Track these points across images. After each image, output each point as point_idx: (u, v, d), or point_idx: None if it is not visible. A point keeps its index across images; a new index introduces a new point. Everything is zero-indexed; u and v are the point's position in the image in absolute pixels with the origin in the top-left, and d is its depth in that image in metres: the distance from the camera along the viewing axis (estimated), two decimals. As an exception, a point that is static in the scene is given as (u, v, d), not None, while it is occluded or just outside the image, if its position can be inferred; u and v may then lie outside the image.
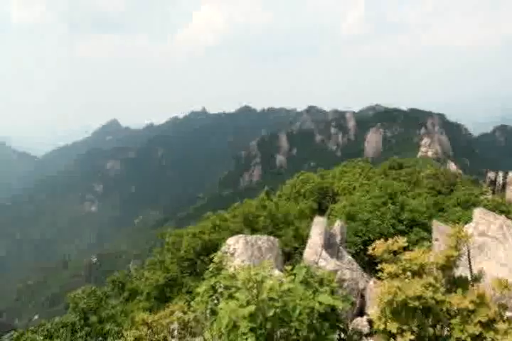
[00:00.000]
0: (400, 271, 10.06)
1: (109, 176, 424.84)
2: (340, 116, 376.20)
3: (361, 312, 16.49)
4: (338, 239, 21.05)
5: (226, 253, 14.32)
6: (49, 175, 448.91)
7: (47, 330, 26.48)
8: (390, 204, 34.98)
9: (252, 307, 7.86)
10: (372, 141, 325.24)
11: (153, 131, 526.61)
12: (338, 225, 21.68)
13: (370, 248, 11.10)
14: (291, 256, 30.81)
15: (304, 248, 19.74)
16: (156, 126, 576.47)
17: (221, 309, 8.42)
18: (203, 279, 10.36)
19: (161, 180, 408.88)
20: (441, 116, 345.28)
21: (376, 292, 9.53)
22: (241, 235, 23.04)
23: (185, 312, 13.38)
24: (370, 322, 12.24)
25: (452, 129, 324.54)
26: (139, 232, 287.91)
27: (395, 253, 10.87)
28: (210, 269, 10.47)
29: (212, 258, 10.94)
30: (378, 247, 10.92)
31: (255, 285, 8.40)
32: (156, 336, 13.06)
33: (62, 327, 26.18)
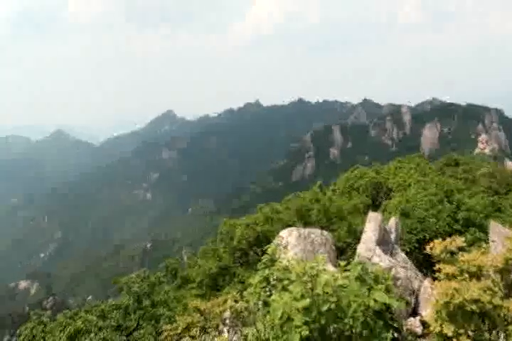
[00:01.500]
0: (458, 273, 9.82)
1: (164, 165, 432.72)
2: (395, 110, 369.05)
3: (414, 313, 16.21)
4: (392, 236, 20.65)
5: (279, 245, 14.26)
6: (106, 163, 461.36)
7: (101, 311, 27.37)
8: (446, 203, 34.11)
9: (306, 301, 7.84)
10: (429, 136, 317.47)
11: (208, 122, 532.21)
12: (392, 222, 21.27)
13: (426, 246, 10.88)
14: (343, 251, 30.54)
15: (356, 243, 19.46)
16: (210, 117, 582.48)
17: (274, 301, 8.43)
18: (256, 270, 10.40)
19: (215, 170, 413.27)
20: (499, 111, 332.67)
21: (430, 292, 9.34)
22: (294, 228, 22.92)
23: (237, 302, 13.53)
24: (424, 323, 12.01)
25: (510, 125, 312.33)
26: (192, 221, 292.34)
27: (452, 253, 10.62)
28: (264, 261, 10.48)
29: (266, 249, 10.94)
30: (436, 246, 10.70)
31: (310, 278, 8.37)
32: (208, 323, 13.25)
33: (116, 308, 26.97)
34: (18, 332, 27.86)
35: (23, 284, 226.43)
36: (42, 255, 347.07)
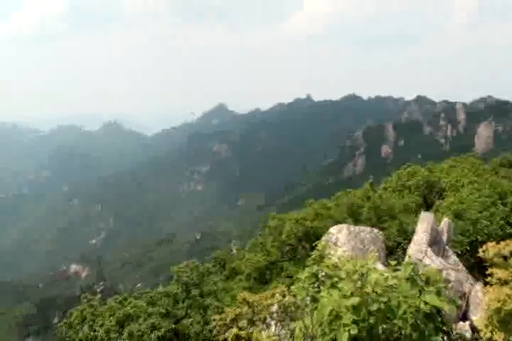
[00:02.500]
0: (510, 278, 9.63)
1: (215, 158, 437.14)
2: (449, 108, 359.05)
3: (464, 317, 15.92)
4: (444, 237, 20.31)
5: (329, 241, 14.24)
6: (157, 154, 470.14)
7: (150, 298, 28.16)
8: (499, 205, 33.15)
9: (355, 299, 7.86)
10: (483, 135, 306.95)
11: (259, 116, 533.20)
12: (445, 223, 20.89)
13: (479, 249, 10.69)
14: (393, 251, 30.21)
15: (407, 243, 19.27)
16: (261, 111, 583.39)
17: (323, 297, 8.46)
18: (304, 265, 10.43)
19: (265, 164, 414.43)
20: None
21: (481, 297, 9.18)
22: (344, 225, 22.79)
23: (285, 296, 13.65)
24: (473, 328, 11.82)
25: None
26: (241, 214, 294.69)
27: (505, 257, 10.40)
28: (313, 256, 10.51)
29: (315, 245, 10.96)
30: (489, 250, 10.50)
31: (360, 277, 8.37)
32: (256, 316, 13.40)
33: (165, 296, 27.68)
34: (68, 313, 29.03)
35: (74, 268, 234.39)
36: (93, 241, 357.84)
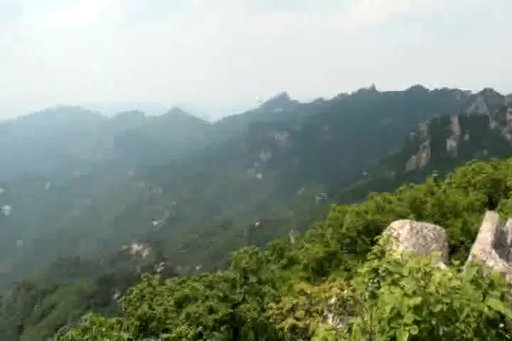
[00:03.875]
0: None
1: (276, 146, 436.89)
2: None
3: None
4: (509, 238, 19.59)
5: (390, 236, 14.02)
6: (219, 141, 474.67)
7: (209, 281, 28.73)
8: None
9: (418, 299, 7.70)
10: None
11: (322, 106, 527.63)
12: (510, 223, 20.14)
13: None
14: (455, 249, 29.41)
15: (470, 243, 18.70)
16: (324, 101, 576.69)
17: (383, 294, 8.36)
18: (364, 259, 10.34)
19: (326, 154, 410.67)
20: None
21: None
22: (407, 220, 22.32)
23: (343, 290, 13.59)
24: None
25: None
26: (301, 203, 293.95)
27: None
28: (374, 251, 10.39)
29: (377, 239, 10.83)
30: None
31: (423, 276, 8.21)
32: (313, 307, 13.41)
33: (224, 281, 28.17)
34: (128, 290, 30.06)
35: (135, 248, 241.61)
36: (155, 223, 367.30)
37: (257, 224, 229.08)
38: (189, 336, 23.36)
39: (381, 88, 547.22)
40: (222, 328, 24.46)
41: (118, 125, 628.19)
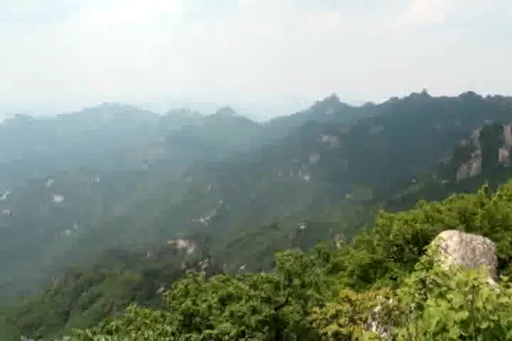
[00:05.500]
0: None
1: (325, 149, 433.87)
2: None
3: None
4: None
5: (438, 247, 13.82)
6: (268, 142, 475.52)
7: (253, 281, 29.01)
8: None
9: (465, 314, 7.61)
10: None
11: (372, 109, 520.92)
12: None
13: None
14: (504, 265, 28.59)
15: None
16: (374, 104, 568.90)
17: (430, 306, 8.29)
18: (411, 269, 10.28)
19: (375, 158, 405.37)
20: None
21: None
22: (456, 231, 21.93)
23: (388, 299, 13.51)
24: None
25: None
26: (348, 207, 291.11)
27: None
28: (422, 261, 10.30)
29: (424, 249, 10.74)
30: None
31: (471, 290, 8.09)
32: (357, 315, 13.40)
33: (267, 282, 28.39)
34: (173, 285, 30.68)
35: (181, 243, 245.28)
36: (202, 220, 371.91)
37: (303, 226, 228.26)
38: (232, 334, 23.73)
39: (433, 91, 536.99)
40: (264, 329, 24.69)
41: (169, 123, 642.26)
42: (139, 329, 24.89)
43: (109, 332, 24.76)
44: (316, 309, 15.78)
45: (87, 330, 23.08)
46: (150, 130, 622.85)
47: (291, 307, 25.40)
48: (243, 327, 24.48)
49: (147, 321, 26.33)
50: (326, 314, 14.51)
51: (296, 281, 27.62)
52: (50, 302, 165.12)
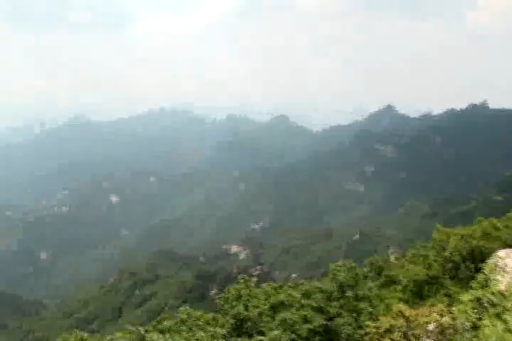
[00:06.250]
0: None
1: (381, 160, 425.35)
2: None
3: None
4: None
5: (496, 265, 13.62)
6: (322, 151, 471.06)
7: (305, 290, 29.15)
8: None
9: None
10: None
11: (430, 121, 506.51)
12: None
13: None
14: None
15: None
16: (432, 115, 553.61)
17: (486, 326, 8.23)
18: (467, 287, 10.22)
19: (433, 171, 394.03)
20: None
21: None
22: (513, 250, 21.44)
23: (442, 316, 13.39)
24: None
25: None
26: (403, 220, 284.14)
27: None
28: (478, 279, 10.19)
29: (481, 267, 10.62)
30: None
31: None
32: (411, 331, 13.34)
33: (320, 292, 28.42)
34: (226, 289, 31.15)
35: (234, 248, 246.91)
36: (255, 226, 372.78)
37: (355, 237, 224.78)
38: (282, 342, 23.89)
39: (493, 104, 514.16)
40: (315, 339, 24.70)
41: (224, 129, 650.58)
42: (191, 330, 25.52)
43: (162, 331, 25.53)
44: (370, 323, 15.75)
45: (140, 328, 23.89)
46: (205, 135, 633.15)
47: (343, 320, 25.26)
48: (294, 336, 24.57)
49: (199, 323, 26.81)
50: (379, 328, 14.53)
51: (349, 293, 27.48)
52: (104, 299, 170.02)
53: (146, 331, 24.93)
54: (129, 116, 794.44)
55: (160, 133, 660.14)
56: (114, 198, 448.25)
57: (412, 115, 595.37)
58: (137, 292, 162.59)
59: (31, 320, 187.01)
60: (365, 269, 32.12)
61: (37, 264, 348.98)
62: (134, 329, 24.43)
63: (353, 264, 30.34)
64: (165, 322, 26.98)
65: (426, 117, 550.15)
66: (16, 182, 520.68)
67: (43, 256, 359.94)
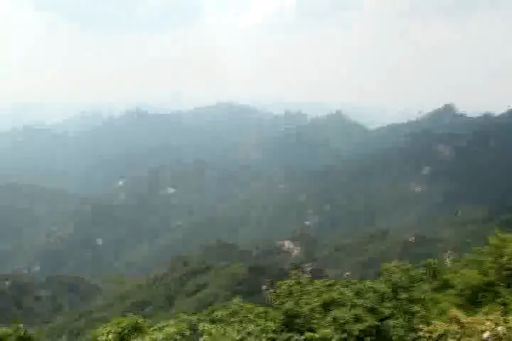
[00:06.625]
0: None
1: (438, 161, 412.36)
2: None
3: None
4: None
5: None
6: (378, 149, 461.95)
7: (358, 289, 29.17)
8: None
9: None
10: None
11: (491, 121, 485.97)
12: None
13: None
14: None
15: None
16: (493, 116, 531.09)
17: None
18: None
19: (492, 173, 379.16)
20: None
21: None
22: None
23: (498, 325, 13.23)
24: None
25: None
26: (460, 224, 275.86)
27: None
28: None
29: None
30: None
31: None
32: (466, 338, 13.24)
33: (373, 291, 28.39)
34: (278, 284, 31.57)
35: (287, 244, 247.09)
36: (308, 223, 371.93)
37: (411, 239, 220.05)
38: (333, 340, 24.07)
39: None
40: (366, 339, 24.73)
41: (281, 124, 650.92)
42: (242, 322, 26.09)
43: (213, 321, 26.24)
44: (423, 326, 15.73)
45: (192, 317, 24.63)
46: (263, 130, 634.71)
47: (395, 321, 25.18)
48: (345, 335, 24.69)
49: (250, 316, 27.31)
50: (432, 332, 14.53)
51: (403, 295, 27.34)
52: (158, 286, 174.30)
53: (199, 320, 25.62)
54: (188, 109, 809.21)
55: (219, 126, 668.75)
56: (170, 189, 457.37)
57: (472, 115, 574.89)
58: (190, 282, 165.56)
59: (88, 301, 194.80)
60: (421, 271, 31.83)
61: (94, 250, 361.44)
62: (186, 317, 25.22)
63: (408, 266, 30.18)
64: (217, 313, 27.56)
65: (487, 117, 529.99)
66: (76, 170, 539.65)
67: (99, 242, 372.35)
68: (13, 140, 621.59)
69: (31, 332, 20.84)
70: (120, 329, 18.74)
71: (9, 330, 20.12)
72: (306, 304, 28.93)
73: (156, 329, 20.19)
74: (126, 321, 19.32)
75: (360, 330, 24.83)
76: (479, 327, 13.49)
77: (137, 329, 19.33)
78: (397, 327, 24.72)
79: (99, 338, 18.75)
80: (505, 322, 12.44)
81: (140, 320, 19.78)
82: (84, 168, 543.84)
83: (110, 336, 18.49)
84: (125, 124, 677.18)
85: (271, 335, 25.49)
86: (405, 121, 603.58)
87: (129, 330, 18.94)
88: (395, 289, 27.96)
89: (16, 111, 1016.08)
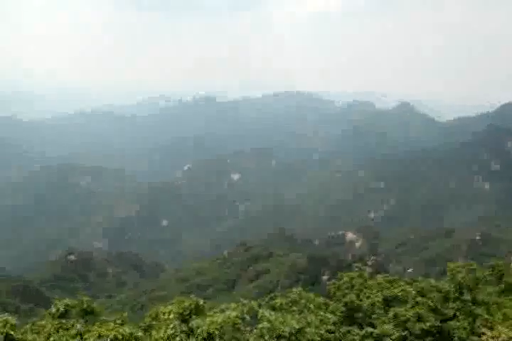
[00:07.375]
0: None
1: (509, 157, 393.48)
2: None
3: None
4: None
5: None
6: (447, 142, 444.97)
7: (420, 287, 28.66)
8: None
9: None
10: None
11: None
12: None
13: None
14: None
15: None
16: None
17: None
18: None
19: None
20: None
21: None
22: None
23: None
24: None
25: None
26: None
27: None
28: None
29: None
30: None
31: None
32: None
33: (436, 291, 27.87)
34: (339, 275, 31.63)
35: (350, 235, 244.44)
36: (372, 215, 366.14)
37: (477, 238, 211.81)
38: (393, 337, 23.92)
39: None
40: (427, 339, 24.42)
41: (347, 115, 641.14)
42: (302, 312, 26.30)
43: (274, 308, 26.59)
44: (486, 330, 15.53)
45: (253, 302, 25.14)
46: (330, 119, 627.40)
47: (458, 323, 24.72)
48: (406, 333, 24.49)
49: (310, 305, 27.43)
50: (496, 338, 14.34)
51: (467, 296, 26.71)
52: (219, 269, 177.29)
53: (259, 306, 25.98)
54: (256, 96, 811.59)
55: (286, 114, 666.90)
56: (235, 176, 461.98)
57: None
58: (251, 268, 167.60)
59: (150, 280, 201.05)
60: (486, 272, 31.06)
61: (159, 230, 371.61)
62: (247, 302, 25.56)
63: (474, 265, 29.49)
64: (277, 300, 27.78)
65: None
66: (142, 153, 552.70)
67: (165, 223, 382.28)
68: (88, 119, 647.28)
69: (94, 305, 21.80)
70: (182, 310, 19.22)
71: (74, 302, 20.95)
72: (367, 298, 28.85)
73: (217, 312, 20.56)
74: (188, 302, 19.74)
75: (421, 329, 24.57)
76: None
77: (198, 310, 19.70)
78: (460, 328, 24.22)
79: (160, 316, 19.50)
80: None
81: (201, 302, 20.13)
82: (152, 150, 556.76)
83: (172, 315, 19.07)
84: (193, 110, 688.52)
85: (330, 327, 25.60)
86: (474, 115, 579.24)
87: (190, 311, 19.38)
88: (460, 290, 27.35)
89: (85, 96, 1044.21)
